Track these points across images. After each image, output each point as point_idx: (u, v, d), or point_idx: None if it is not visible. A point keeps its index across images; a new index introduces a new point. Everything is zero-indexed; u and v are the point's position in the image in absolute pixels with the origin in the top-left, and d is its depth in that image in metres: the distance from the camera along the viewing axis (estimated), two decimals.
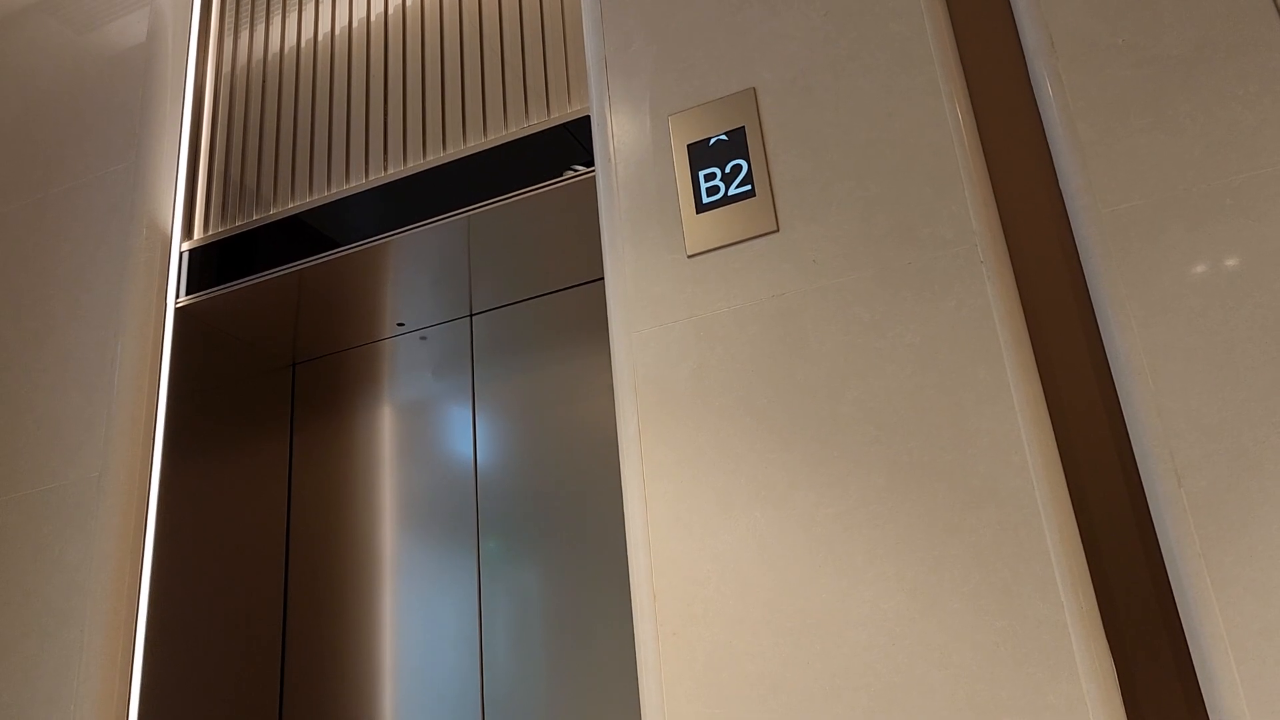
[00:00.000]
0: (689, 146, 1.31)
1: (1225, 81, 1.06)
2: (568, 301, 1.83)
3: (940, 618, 1.01)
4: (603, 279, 1.32)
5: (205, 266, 1.78)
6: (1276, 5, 1.06)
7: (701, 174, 1.29)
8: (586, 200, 1.46)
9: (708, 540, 1.13)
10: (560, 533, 1.72)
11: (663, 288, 1.26)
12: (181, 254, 1.80)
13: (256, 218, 1.78)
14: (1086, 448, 1.07)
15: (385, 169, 1.68)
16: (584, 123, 1.49)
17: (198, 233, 1.83)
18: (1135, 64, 1.10)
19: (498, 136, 1.59)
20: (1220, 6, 1.08)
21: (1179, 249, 1.03)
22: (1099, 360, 1.08)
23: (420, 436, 1.91)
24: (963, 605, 1.01)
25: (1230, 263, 1.01)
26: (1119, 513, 1.04)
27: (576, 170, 1.50)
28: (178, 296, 1.77)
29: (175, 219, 1.81)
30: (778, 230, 1.22)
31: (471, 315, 1.92)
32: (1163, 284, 1.02)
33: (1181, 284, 1.02)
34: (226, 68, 1.94)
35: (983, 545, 1.02)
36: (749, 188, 1.25)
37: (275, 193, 1.78)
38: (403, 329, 1.96)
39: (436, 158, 1.64)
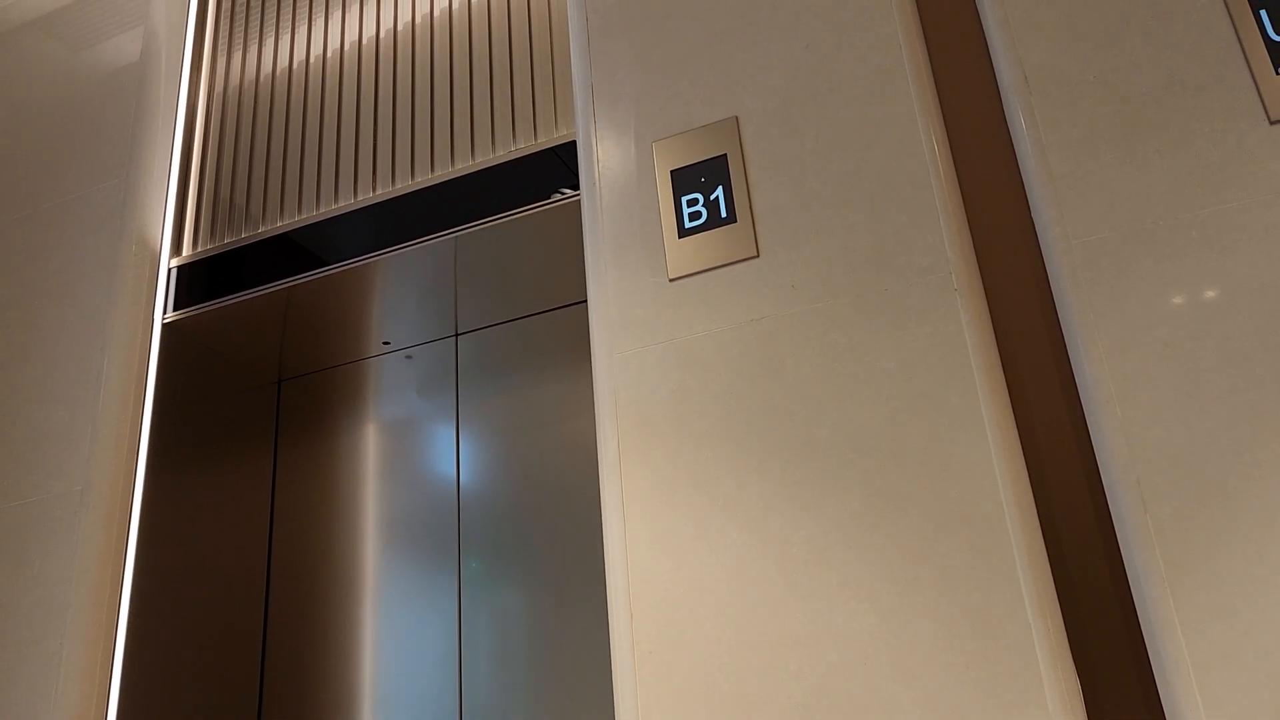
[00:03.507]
0: (672, 172, 1.33)
1: (1192, 118, 1.08)
2: (552, 323, 1.85)
3: (911, 640, 1.03)
4: (586, 301, 1.34)
5: (193, 283, 1.79)
6: (1242, 45, 1.09)
7: (684, 199, 1.31)
8: (571, 223, 1.48)
9: (685, 562, 1.15)
10: (541, 553, 1.73)
11: (644, 310, 1.28)
12: (170, 270, 1.81)
13: (245, 235, 1.79)
14: (1056, 474, 1.09)
15: (374, 189, 1.70)
16: (570, 147, 1.52)
17: (186, 249, 1.84)
18: (1106, 100, 1.13)
19: (485, 160, 1.61)
20: (1188, 46, 1.11)
21: (1147, 280, 1.05)
22: (1069, 388, 1.10)
23: (404, 456, 1.91)
24: (933, 628, 1.02)
25: (1197, 294, 1.03)
26: (1087, 538, 1.06)
27: (563, 194, 1.52)
28: (165, 312, 1.78)
29: (164, 235, 1.83)
30: (758, 256, 1.25)
31: (457, 335, 1.93)
32: (1131, 314, 1.04)
33: (1149, 314, 1.04)
34: (219, 87, 1.96)
35: (953, 569, 1.03)
36: (730, 214, 1.27)
37: (264, 211, 1.80)
38: (388, 348, 1.98)
39: (425, 179, 1.65)
